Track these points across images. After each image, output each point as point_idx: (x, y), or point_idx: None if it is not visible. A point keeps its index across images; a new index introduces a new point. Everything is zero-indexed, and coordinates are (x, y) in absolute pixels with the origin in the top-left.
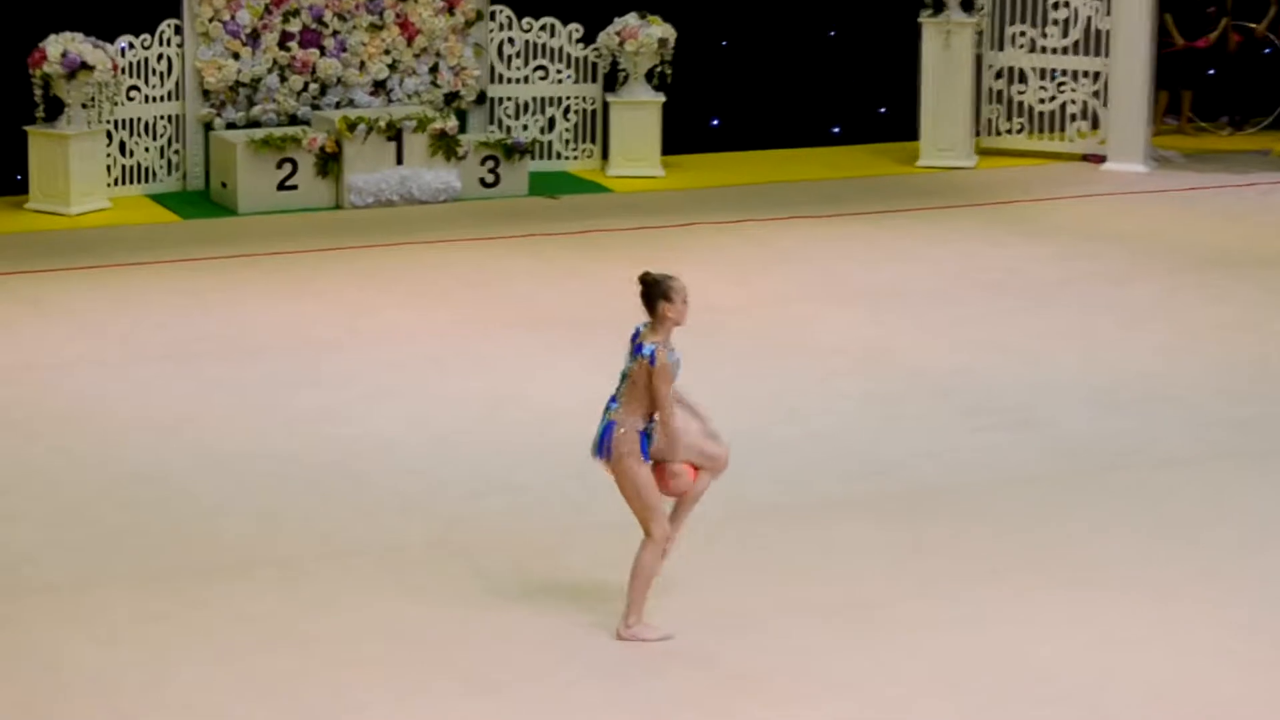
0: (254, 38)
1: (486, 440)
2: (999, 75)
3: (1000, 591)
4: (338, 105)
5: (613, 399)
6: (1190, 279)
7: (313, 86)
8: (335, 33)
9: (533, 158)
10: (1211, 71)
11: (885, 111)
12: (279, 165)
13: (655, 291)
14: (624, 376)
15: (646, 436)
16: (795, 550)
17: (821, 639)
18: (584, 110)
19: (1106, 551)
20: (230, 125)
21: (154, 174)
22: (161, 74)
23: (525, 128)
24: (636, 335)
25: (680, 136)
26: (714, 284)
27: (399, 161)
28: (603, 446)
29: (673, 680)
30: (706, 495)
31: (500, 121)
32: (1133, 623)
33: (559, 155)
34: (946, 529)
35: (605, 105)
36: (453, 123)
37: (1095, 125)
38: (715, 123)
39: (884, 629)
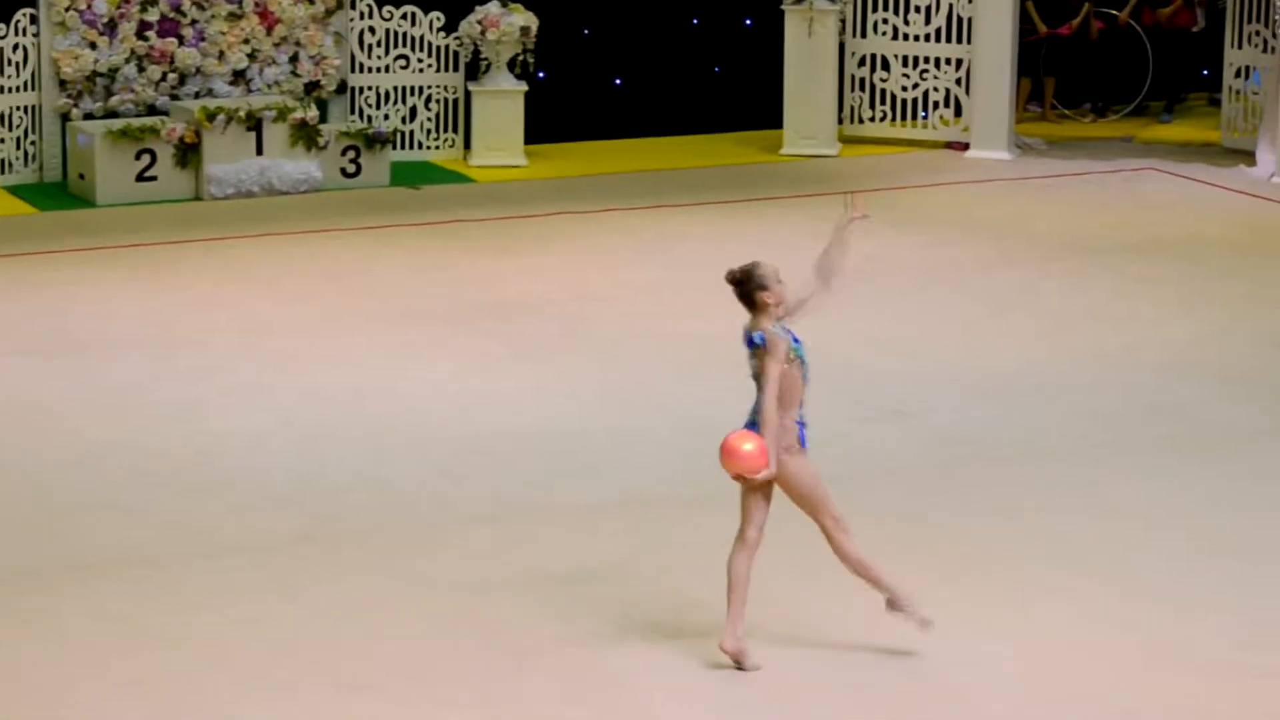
0: (111, 27)
1: (352, 435)
2: (862, 63)
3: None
4: (197, 95)
5: (755, 405)
6: (1056, 267)
7: (171, 76)
8: (194, 22)
9: (394, 147)
10: (1074, 59)
11: (749, 100)
12: (137, 156)
13: (750, 285)
14: (753, 378)
15: (802, 425)
16: (673, 543)
17: (694, 632)
18: (446, 99)
19: (977, 542)
20: (88, 116)
21: (10, 166)
22: (17, 64)
23: (386, 117)
24: (745, 337)
25: (543, 126)
26: (582, 274)
27: (259, 152)
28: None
29: (546, 678)
30: (579, 488)
31: (361, 111)
32: (1001, 613)
33: (421, 145)
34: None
35: (467, 94)
36: (313, 112)
37: (958, 113)
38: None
39: (766, 619)
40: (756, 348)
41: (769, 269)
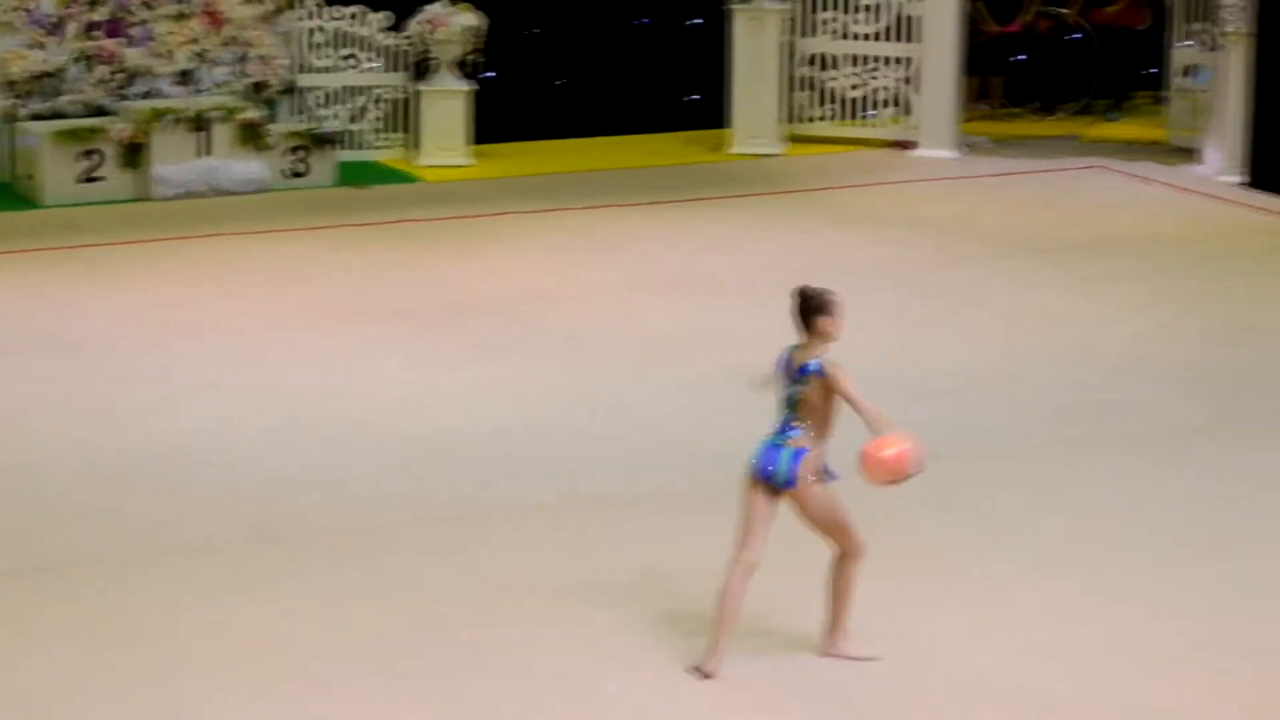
0: (58, 27)
1: (309, 434)
2: (809, 62)
3: (820, 585)
4: (144, 96)
5: (785, 429)
6: (1003, 265)
7: (118, 77)
8: (141, 22)
9: (341, 147)
10: (1021, 57)
11: (696, 99)
12: (84, 157)
13: (814, 304)
14: (789, 403)
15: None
16: (631, 542)
17: (648, 632)
18: (393, 99)
19: (929, 542)
20: (34, 116)
21: None
22: None
23: (334, 117)
24: (787, 362)
25: (490, 126)
26: (532, 273)
27: (206, 152)
28: (789, 475)
29: (508, 676)
30: (535, 487)
31: (309, 111)
32: (957, 611)
33: (368, 145)
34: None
35: (415, 94)
36: (260, 113)
37: (906, 111)
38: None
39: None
40: (809, 375)
41: (840, 301)
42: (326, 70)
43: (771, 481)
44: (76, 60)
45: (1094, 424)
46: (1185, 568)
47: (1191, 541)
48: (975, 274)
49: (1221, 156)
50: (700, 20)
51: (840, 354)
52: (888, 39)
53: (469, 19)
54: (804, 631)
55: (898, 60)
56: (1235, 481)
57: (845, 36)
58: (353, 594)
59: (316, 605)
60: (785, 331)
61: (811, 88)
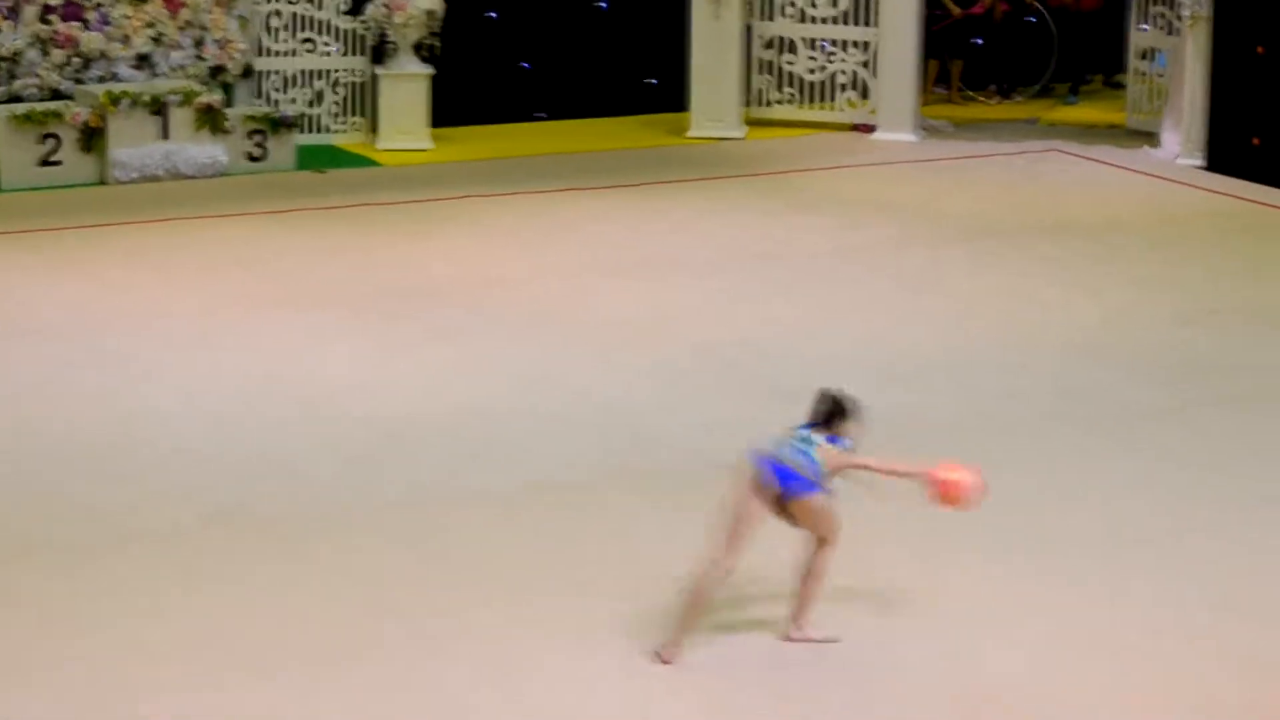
0: (14, 11)
1: (263, 421)
2: (768, 45)
3: (783, 570)
4: (101, 79)
5: (803, 450)
6: (962, 249)
7: (75, 60)
8: (98, 5)
9: (300, 131)
10: (979, 41)
11: (656, 83)
12: (41, 141)
13: (844, 413)
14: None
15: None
16: (589, 529)
17: (608, 619)
18: (352, 83)
19: (885, 526)
20: None
21: None
22: None
23: (293, 101)
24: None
25: (449, 109)
26: (492, 257)
27: (164, 136)
28: (792, 485)
29: (462, 665)
30: (493, 474)
31: (267, 95)
32: (910, 599)
33: (327, 129)
34: None
35: (373, 78)
36: (218, 96)
37: (865, 95)
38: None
39: (669, 608)
40: (831, 451)
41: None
42: (285, 54)
43: (787, 492)
44: (33, 44)
45: (1050, 408)
46: (1143, 557)
47: (1149, 530)
48: (933, 257)
49: (1179, 140)
50: (659, 3)
51: (798, 339)
52: (847, 23)
53: (427, 2)
54: (770, 616)
55: (856, 44)
56: (1191, 468)
57: (804, 20)
58: (305, 583)
59: (267, 595)
60: (745, 314)
61: (771, 71)
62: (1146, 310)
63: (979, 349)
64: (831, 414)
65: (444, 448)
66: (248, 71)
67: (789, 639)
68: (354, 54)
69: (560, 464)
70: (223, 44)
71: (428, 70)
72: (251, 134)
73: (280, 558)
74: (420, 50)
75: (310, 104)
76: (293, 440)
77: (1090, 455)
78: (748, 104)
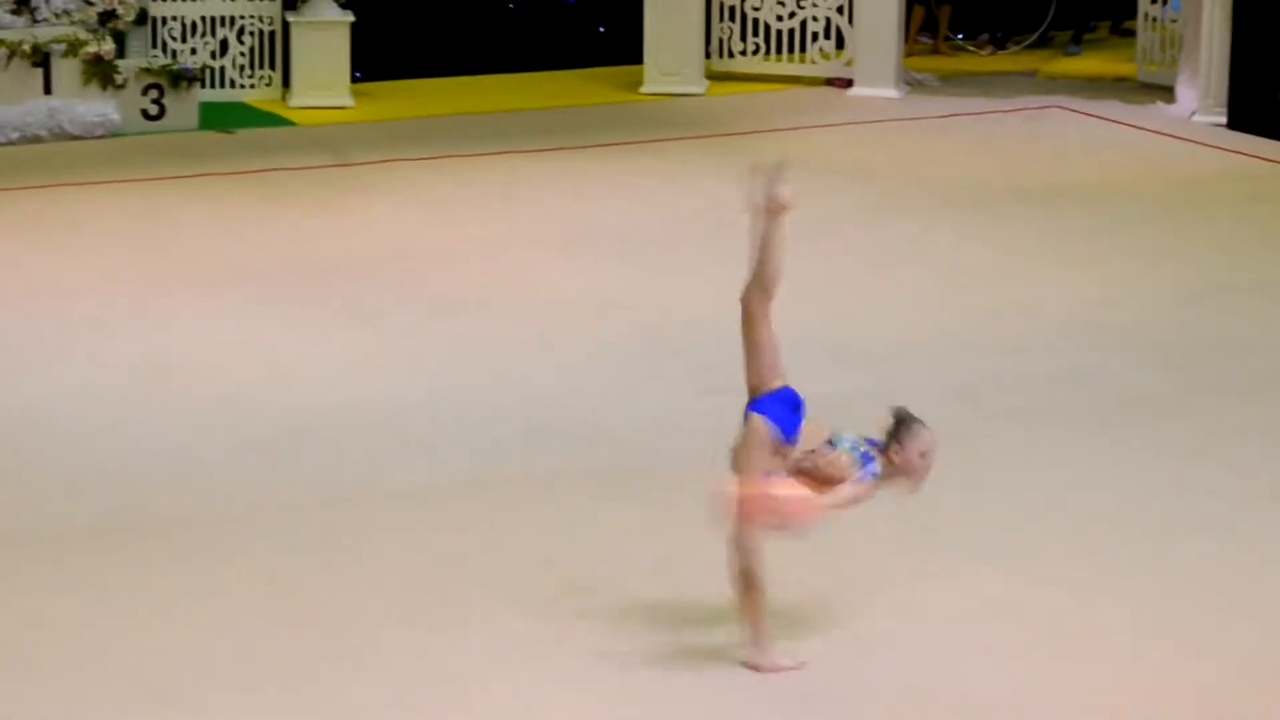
0: None
1: (160, 411)
2: None
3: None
4: None
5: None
6: (947, 217)
7: None
8: None
9: (203, 86)
10: None
11: (604, 31)
12: None
13: (899, 434)
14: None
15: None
16: (521, 527)
17: (544, 629)
18: (261, 31)
19: (851, 523)
20: None
21: None
22: None
23: (194, 52)
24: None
25: (372, 61)
26: (418, 228)
27: (47, 91)
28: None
29: (380, 680)
30: (419, 469)
31: (165, 45)
32: (879, 601)
33: (234, 83)
34: (683, 502)
35: (286, 26)
36: (109, 46)
37: (840, 45)
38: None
39: (607, 615)
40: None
41: (932, 444)
42: None
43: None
44: None
45: (1040, 395)
46: (1134, 555)
47: (1141, 526)
48: (914, 227)
49: (1196, 95)
50: None
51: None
52: None
53: None
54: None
55: None
56: (1191, 460)
57: None
58: (207, 594)
59: (168, 604)
60: (698, 292)
61: (735, 19)
62: (1151, 287)
63: (961, 329)
64: (894, 433)
65: (363, 442)
66: (142, 18)
67: (747, 665)
68: None
69: (492, 460)
70: None
71: (347, 17)
72: (147, 89)
73: (179, 564)
74: None
75: (214, 55)
76: (194, 432)
77: (1082, 446)
78: (709, 56)
